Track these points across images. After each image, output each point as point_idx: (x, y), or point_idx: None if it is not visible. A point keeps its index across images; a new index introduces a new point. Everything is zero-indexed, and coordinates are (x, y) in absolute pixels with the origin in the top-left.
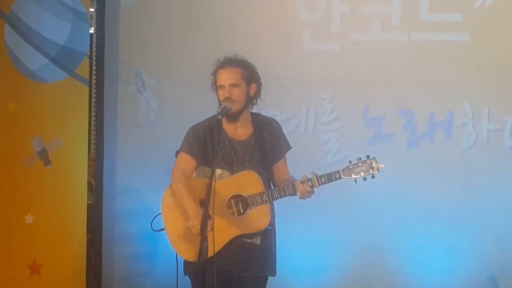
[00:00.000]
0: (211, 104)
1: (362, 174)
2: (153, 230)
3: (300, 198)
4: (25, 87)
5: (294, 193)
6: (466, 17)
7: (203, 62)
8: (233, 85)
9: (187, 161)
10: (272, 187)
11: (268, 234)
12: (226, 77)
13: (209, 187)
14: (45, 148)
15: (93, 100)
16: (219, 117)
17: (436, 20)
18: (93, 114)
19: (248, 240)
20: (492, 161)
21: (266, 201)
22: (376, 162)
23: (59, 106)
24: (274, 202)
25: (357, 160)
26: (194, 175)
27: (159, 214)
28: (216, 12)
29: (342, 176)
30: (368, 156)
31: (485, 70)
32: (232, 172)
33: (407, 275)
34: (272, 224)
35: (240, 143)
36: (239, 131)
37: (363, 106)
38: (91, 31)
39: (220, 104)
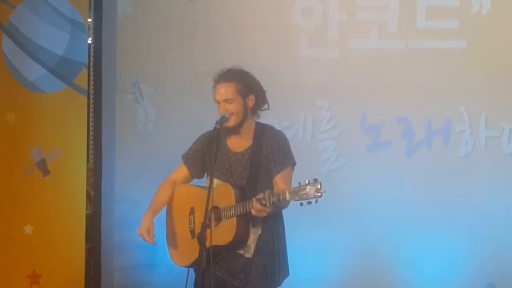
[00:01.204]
0: (209, 113)
1: (305, 197)
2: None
3: (254, 214)
4: (23, 97)
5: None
6: (463, 24)
7: (201, 70)
8: (227, 101)
9: (180, 170)
10: None
11: (265, 250)
12: (221, 92)
13: (208, 197)
14: (44, 158)
15: (91, 110)
16: (217, 126)
17: (433, 27)
18: (91, 124)
19: (241, 252)
20: (490, 168)
21: (233, 214)
22: (320, 187)
23: (58, 116)
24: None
25: (306, 182)
26: (206, 184)
27: None
28: (213, 20)
29: (288, 197)
30: (315, 180)
31: (482, 77)
32: (225, 182)
33: (407, 281)
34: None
35: (236, 155)
36: (238, 142)
37: (361, 114)
38: (89, 41)
39: None
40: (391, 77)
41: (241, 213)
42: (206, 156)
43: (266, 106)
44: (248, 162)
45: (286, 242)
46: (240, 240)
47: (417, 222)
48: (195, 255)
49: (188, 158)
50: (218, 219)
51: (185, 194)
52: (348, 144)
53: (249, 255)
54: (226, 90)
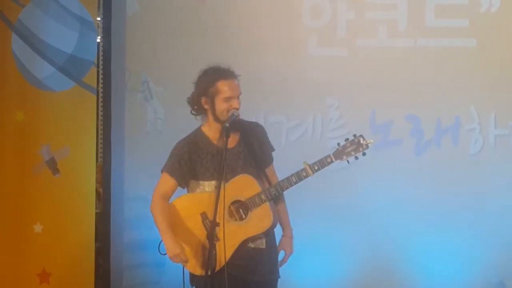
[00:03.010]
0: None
1: (353, 153)
2: (161, 253)
3: None
4: (33, 96)
5: (289, 186)
6: (472, 23)
7: None
8: (239, 96)
9: (167, 182)
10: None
11: (272, 236)
12: (233, 88)
13: (216, 197)
14: (53, 157)
15: (100, 108)
16: (227, 124)
17: (442, 26)
18: (100, 122)
19: (252, 246)
20: (499, 166)
21: (264, 200)
22: (364, 139)
23: (67, 115)
24: None
25: (345, 141)
26: (198, 190)
27: None
28: (222, 19)
29: (334, 159)
30: (355, 135)
31: (491, 75)
32: (226, 181)
33: (415, 281)
34: (275, 224)
35: (230, 151)
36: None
37: (370, 112)
38: (98, 39)
39: (215, 116)
40: (400, 76)
41: (276, 194)
42: (194, 162)
43: None
44: (245, 155)
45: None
46: (275, 223)
47: (425, 221)
48: (220, 259)
49: (175, 169)
50: (245, 211)
51: (188, 205)
52: None
53: (263, 246)
54: (236, 86)
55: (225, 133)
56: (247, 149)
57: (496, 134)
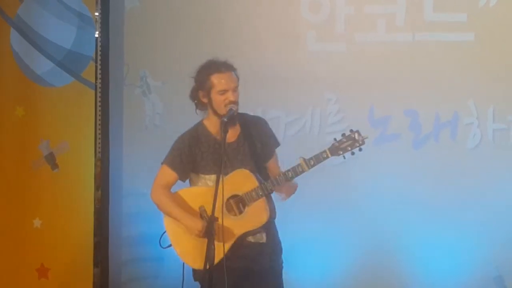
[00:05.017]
0: None
1: (349, 149)
2: (162, 247)
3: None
4: (32, 91)
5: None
6: (471, 17)
7: None
8: (234, 89)
9: (167, 175)
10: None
11: (273, 230)
12: (228, 81)
13: (215, 192)
14: (52, 152)
15: (99, 103)
16: (225, 119)
17: (441, 20)
18: (98, 117)
19: (253, 240)
20: (498, 160)
21: (261, 195)
22: (360, 134)
23: (66, 110)
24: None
25: (342, 136)
26: (199, 184)
27: (165, 231)
28: (221, 13)
29: (330, 154)
30: (352, 130)
31: (490, 70)
32: (226, 175)
33: (413, 275)
34: (273, 217)
35: (230, 145)
36: (229, 133)
37: (369, 107)
38: (97, 35)
39: (213, 109)
40: (398, 70)
41: (273, 189)
42: (195, 155)
43: None
44: (244, 149)
45: (293, 239)
46: (272, 219)
47: (423, 215)
48: (219, 253)
49: (175, 163)
50: (242, 206)
51: (188, 198)
52: None
53: (263, 240)
54: (232, 79)
55: (223, 127)
56: (247, 143)
57: (494, 128)
